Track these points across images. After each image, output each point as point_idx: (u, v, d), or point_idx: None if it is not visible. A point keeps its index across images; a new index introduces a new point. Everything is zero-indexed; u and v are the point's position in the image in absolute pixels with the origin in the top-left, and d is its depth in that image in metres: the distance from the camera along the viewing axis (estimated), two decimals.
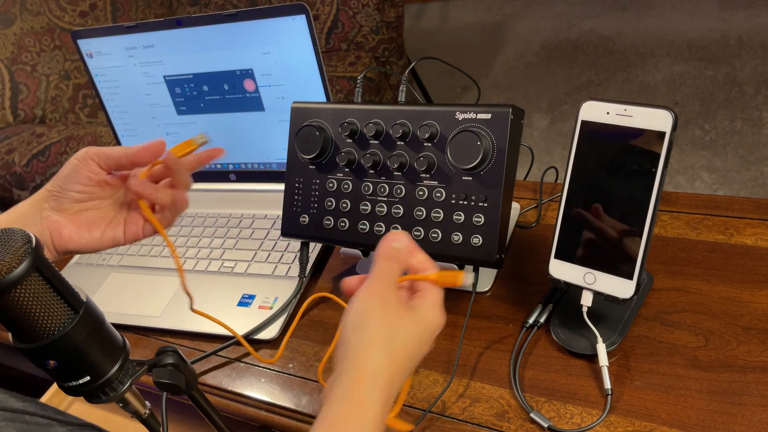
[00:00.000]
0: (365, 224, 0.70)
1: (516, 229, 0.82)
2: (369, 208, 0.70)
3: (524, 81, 2.66)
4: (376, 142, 0.70)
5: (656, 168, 0.57)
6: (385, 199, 0.70)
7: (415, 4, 3.48)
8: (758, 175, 1.92)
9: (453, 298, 0.75)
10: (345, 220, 0.72)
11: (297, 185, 0.75)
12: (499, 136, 0.64)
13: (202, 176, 1.04)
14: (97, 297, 0.89)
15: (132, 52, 0.97)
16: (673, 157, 2.00)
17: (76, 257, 0.98)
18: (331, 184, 0.72)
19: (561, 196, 0.64)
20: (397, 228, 0.69)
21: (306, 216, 0.74)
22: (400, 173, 0.69)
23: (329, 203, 0.73)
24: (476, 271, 0.70)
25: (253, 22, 0.88)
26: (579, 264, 0.63)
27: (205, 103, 0.97)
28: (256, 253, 0.87)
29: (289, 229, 0.75)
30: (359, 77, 0.77)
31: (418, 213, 0.68)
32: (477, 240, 0.65)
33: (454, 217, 0.66)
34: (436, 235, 0.67)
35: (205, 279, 0.86)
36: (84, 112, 1.89)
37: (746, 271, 0.68)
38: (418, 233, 0.68)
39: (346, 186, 0.72)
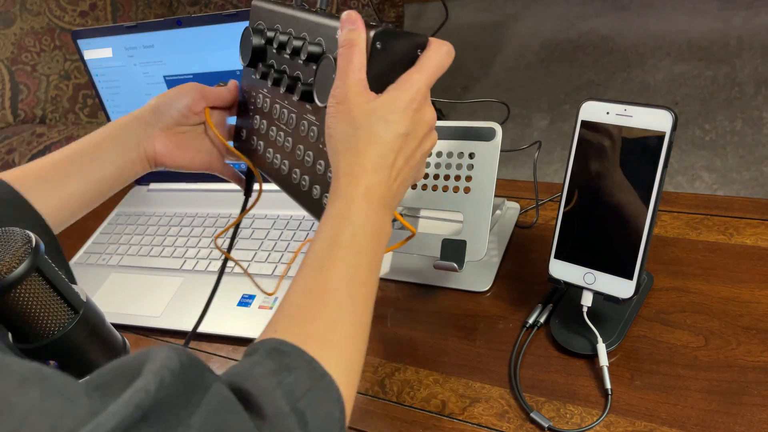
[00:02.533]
0: (270, 153, 0.62)
1: (516, 229, 0.82)
2: (274, 135, 0.61)
3: (524, 81, 2.66)
4: (287, 56, 0.58)
5: (656, 168, 0.57)
6: (284, 127, 0.59)
7: (415, 4, 3.48)
8: (758, 175, 1.92)
9: (453, 297, 0.75)
10: (260, 141, 0.63)
11: (242, 95, 0.66)
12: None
13: (201, 176, 1.04)
14: (97, 297, 0.89)
15: (132, 52, 0.97)
16: (673, 157, 2.00)
17: (76, 257, 0.98)
18: (257, 99, 0.63)
19: (561, 196, 0.64)
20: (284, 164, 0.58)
21: (245, 130, 0.66)
22: (295, 99, 0.56)
23: (255, 120, 0.64)
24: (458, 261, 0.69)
25: None
26: (579, 264, 0.63)
27: None
28: (256, 253, 0.87)
29: (237, 142, 0.68)
30: None
31: (298, 153, 0.57)
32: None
33: (317, 166, 0.54)
34: (305, 184, 0.56)
35: (205, 279, 0.86)
36: (84, 112, 1.89)
37: (746, 271, 0.68)
38: (295, 178, 0.57)
39: (265, 102, 0.62)
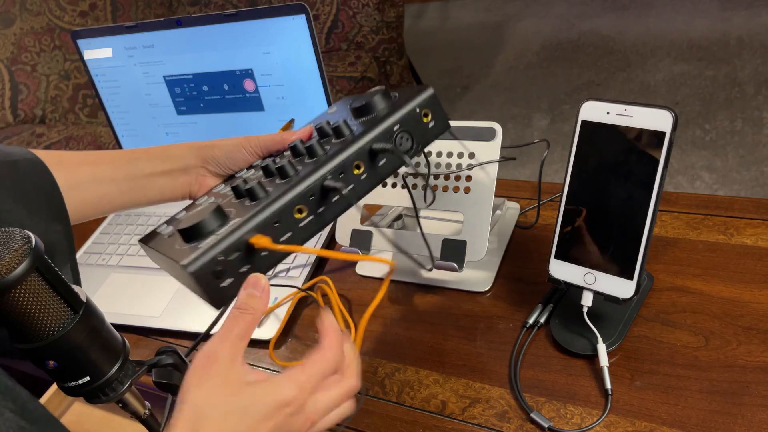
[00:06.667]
0: None
1: (516, 229, 0.82)
2: None
3: (524, 81, 2.66)
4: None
5: (656, 168, 0.57)
6: None
7: (415, 4, 3.48)
8: (758, 175, 1.92)
9: (453, 297, 0.75)
10: None
11: None
12: None
13: None
14: (97, 297, 0.89)
15: (132, 52, 0.97)
16: (673, 157, 2.00)
17: (76, 257, 0.98)
18: None
19: (561, 196, 0.64)
20: None
21: None
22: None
23: None
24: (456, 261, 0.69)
25: (253, 22, 0.88)
26: (579, 264, 0.63)
27: (205, 103, 0.97)
28: None
29: None
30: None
31: None
32: None
33: None
34: None
35: None
36: (84, 112, 1.89)
37: (746, 271, 0.68)
38: None
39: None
